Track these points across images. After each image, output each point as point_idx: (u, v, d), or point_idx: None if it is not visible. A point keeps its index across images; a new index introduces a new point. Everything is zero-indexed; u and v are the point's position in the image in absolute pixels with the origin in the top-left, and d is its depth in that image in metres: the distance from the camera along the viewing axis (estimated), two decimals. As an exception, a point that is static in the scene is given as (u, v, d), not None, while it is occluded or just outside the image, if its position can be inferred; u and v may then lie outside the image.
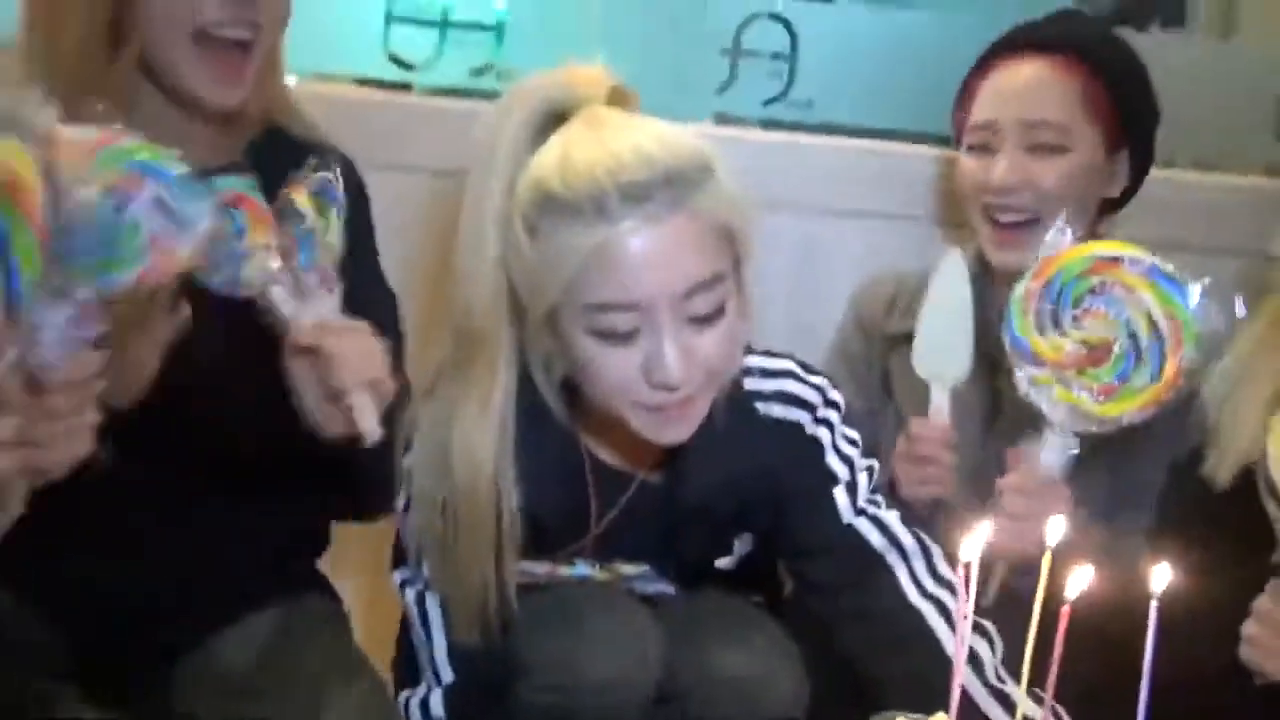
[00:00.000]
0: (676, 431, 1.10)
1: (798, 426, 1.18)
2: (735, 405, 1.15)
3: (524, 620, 1.15)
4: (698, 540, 1.21)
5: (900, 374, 1.44)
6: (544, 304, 1.06)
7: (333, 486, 1.14)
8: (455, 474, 1.10)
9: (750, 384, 1.18)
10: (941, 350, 1.32)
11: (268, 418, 1.03)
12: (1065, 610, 0.76)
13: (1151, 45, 2.73)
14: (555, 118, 1.08)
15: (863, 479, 1.20)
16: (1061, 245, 1.17)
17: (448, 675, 1.17)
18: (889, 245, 1.63)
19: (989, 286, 1.43)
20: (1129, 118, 1.40)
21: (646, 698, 1.13)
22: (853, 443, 1.21)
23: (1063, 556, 0.87)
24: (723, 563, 1.23)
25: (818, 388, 1.20)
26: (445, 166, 1.56)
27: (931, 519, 1.31)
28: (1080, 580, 0.78)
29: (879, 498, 1.20)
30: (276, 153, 1.18)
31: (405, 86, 1.95)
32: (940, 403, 1.31)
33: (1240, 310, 1.17)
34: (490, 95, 1.85)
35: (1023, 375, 1.18)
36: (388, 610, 1.30)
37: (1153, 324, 1.14)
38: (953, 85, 1.47)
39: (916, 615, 1.15)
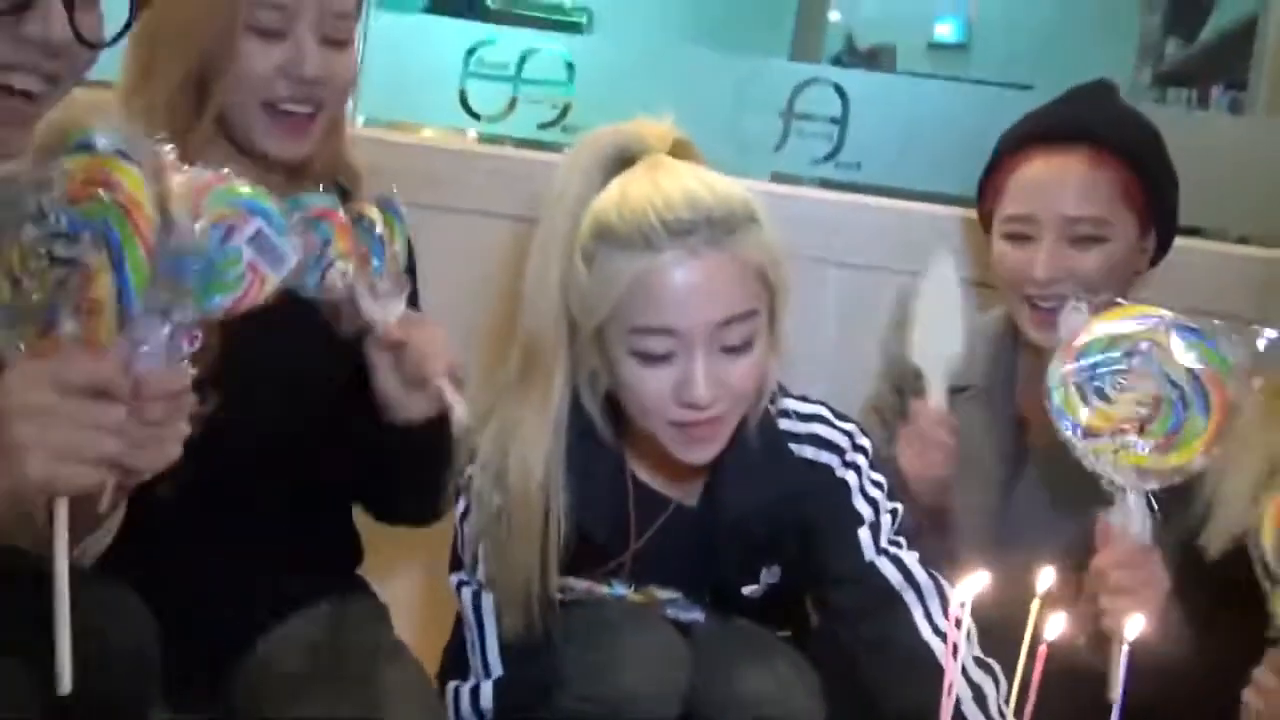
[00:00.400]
0: (702, 451, 1.22)
1: (827, 468, 1.29)
2: (770, 444, 1.27)
3: (564, 633, 1.24)
4: (728, 566, 1.30)
5: None
6: (593, 323, 1.19)
7: (410, 483, 1.24)
8: (511, 480, 1.22)
9: (785, 425, 1.29)
10: (935, 339, 1.41)
11: (336, 419, 1.15)
12: (1042, 650, 0.84)
13: (1213, 125, 2.80)
14: (622, 163, 1.22)
15: (886, 520, 1.28)
16: (1080, 323, 1.22)
17: (498, 669, 1.27)
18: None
19: (1019, 352, 1.50)
20: (1159, 201, 1.45)
21: (674, 711, 1.22)
22: (878, 485, 1.29)
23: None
24: (750, 590, 1.31)
25: (847, 433, 1.29)
26: (521, 213, 1.68)
27: (939, 507, 1.40)
28: (1058, 623, 0.85)
29: (901, 539, 1.28)
30: None
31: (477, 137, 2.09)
32: (937, 387, 1.40)
33: (1262, 343, 1.18)
34: (558, 148, 1.96)
35: (1083, 451, 1.19)
36: (432, 613, 1.41)
37: (1187, 369, 1.17)
38: (989, 151, 1.51)
39: (928, 650, 1.23)
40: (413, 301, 1.29)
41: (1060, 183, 1.42)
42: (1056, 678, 0.88)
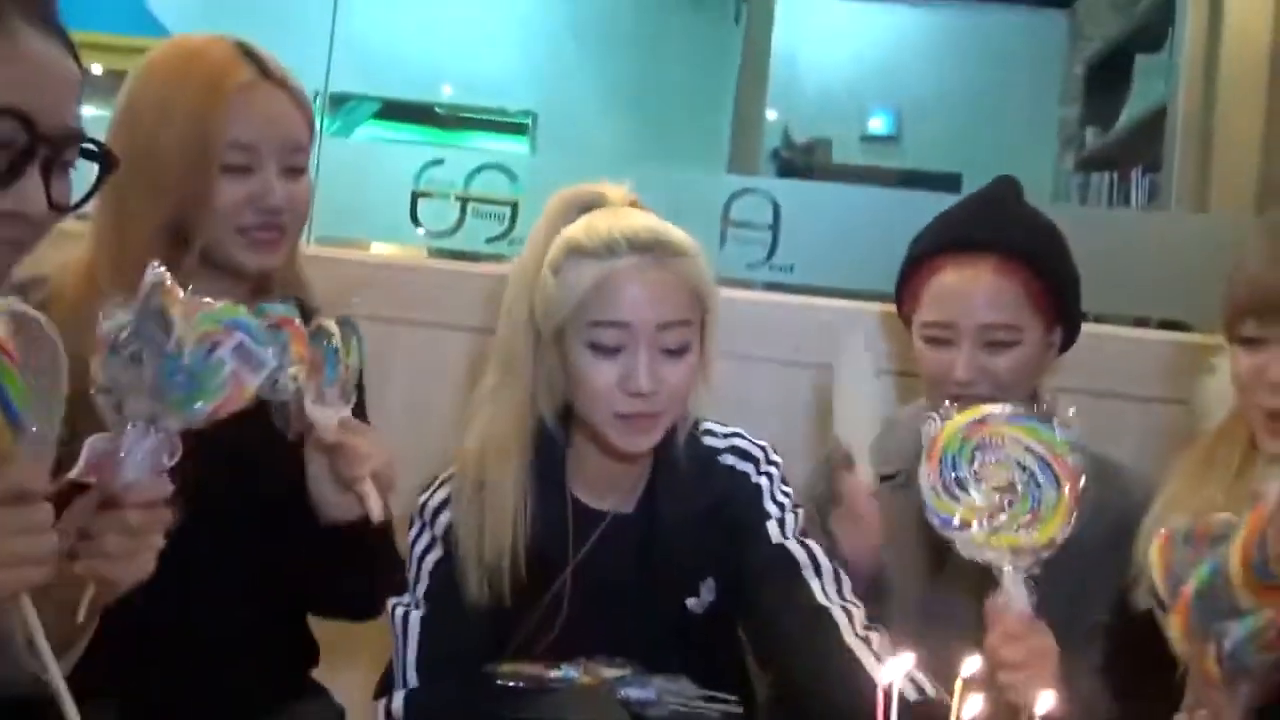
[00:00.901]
0: (640, 441, 1.40)
1: (745, 475, 1.48)
2: (696, 454, 1.47)
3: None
4: (667, 575, 1.44)
5: None
6: (556, 322, 1.38)
7: (344, 578, 1.32)
8: (488, 461, 1.40)
9: (708, 440, 1.49)
10: (854, 420, 1.50)
11: (284, 520, 1.23)
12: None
13: (1134, 221, 2.97)
14: (587, 210, 1.43)
15: (790, 519, 1.46)
16: (934, 429, 1.31)
17: (413, 681, 1.40)
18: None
19: None
20: (1064, 300, 1.54)
21: None
22: (786, 495, 1.48)
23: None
24: (693, 604, 1.45)
25: (762, 448, 1.50)
26: (471, 324, 1.76)
27: (871, 575, 1.48)
28: (976, 704, 0.93)
29: (807, 539, 1.45)
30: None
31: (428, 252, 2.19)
32: (861, 462, 1.48)
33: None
34: (505, 260, 2.06)
35: (962, 543, 1.29)
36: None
37: (1031, 452, 1.29)
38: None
39: (826, 613, 1.37)
40: (361, 414, 1.37)
41: (972, 292, 1.50)
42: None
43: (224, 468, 1.21)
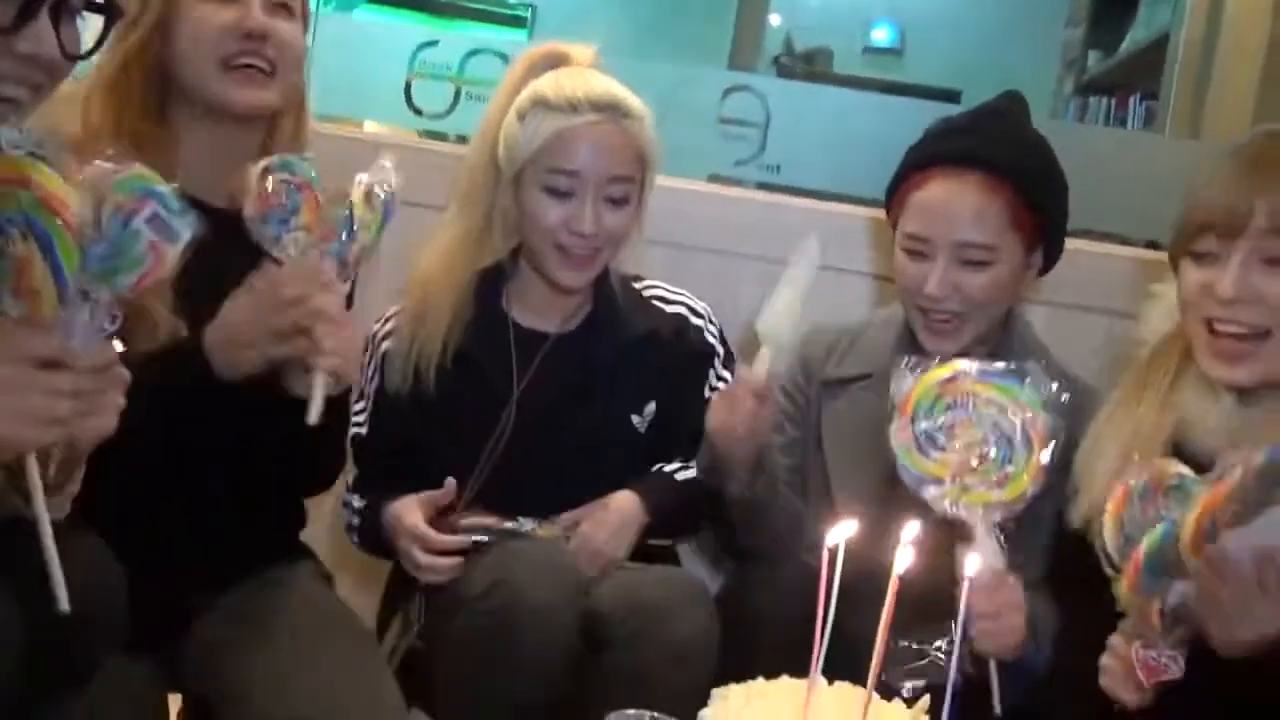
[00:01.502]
0: (578, 276, 1.58)
1: (700, 330, 1.65)
2: (633, 298, 1.64)
3: (473, 562, 1.43)
4: (610, 390, 1.59)
5: (830, 419, 1.60)
6: (516, 166, 1.55)
7: (293, 460, 1.36)
8: (433, 285, 1.57)
9: (651, 292, 1.66)
10: (779, 317, 1.47)
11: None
12: (894, 582, 0.97)
13: (1128, 144, 2.98)
14: (553, 67, 1.58)
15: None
16: (907, 386, 1.33)
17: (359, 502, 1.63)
18: (838, 295, 1.78)
19: (914, 349, 1.55)
20: (1049, 225, 1.54)
21: (573, 622, 1.38)
22: (723, 379, 1.62)
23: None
24: (638, 421, 1.61)
25: (706, 310, 1.67)
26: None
27: (724, 459, 1.50)
28: (906, 557, 0.98)
29: None
30: None
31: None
32: (764, 359, 1.46)
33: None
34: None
35: (933, 498, 1.31)
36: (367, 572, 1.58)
37: (1004, 412, 1.30)
38: (897, 158, 1.59)
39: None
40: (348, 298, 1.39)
41: (954, 209, 1.49)
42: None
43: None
